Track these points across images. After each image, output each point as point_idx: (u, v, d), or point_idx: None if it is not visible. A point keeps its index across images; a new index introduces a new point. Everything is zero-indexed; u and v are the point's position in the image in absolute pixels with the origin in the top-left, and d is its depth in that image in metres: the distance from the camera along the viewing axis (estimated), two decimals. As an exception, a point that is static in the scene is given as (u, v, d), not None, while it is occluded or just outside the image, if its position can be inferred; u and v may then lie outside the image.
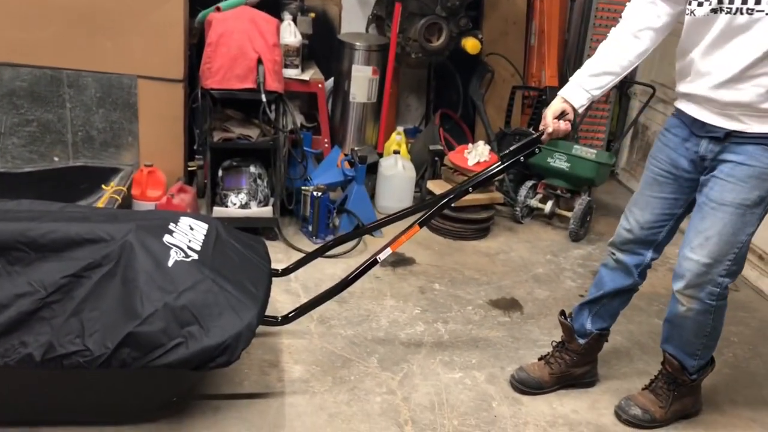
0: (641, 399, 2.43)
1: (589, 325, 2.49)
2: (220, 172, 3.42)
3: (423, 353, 2.70)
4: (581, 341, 2.51)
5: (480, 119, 4.45)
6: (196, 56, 3.52)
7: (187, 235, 2.23)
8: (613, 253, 2.41)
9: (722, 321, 2.29)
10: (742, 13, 1.94)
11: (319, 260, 2.78)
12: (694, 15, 2.04)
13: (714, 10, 1.99)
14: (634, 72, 4.14)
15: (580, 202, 3.85)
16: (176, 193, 3.32)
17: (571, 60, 4.60)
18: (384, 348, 2.70)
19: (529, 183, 4.03)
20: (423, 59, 4.19)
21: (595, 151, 3.85)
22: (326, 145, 3.98)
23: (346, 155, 3.81)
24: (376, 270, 2.51)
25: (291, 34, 3.69)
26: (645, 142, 4.66)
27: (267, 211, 3.42)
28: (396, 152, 3.94)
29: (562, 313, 2.56)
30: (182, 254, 2.13)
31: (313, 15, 3.92)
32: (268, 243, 2.66)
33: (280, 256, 3.27)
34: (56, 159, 3.51)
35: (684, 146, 2.20)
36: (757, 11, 1.92)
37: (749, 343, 3.01)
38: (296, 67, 3.76)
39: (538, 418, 2.40)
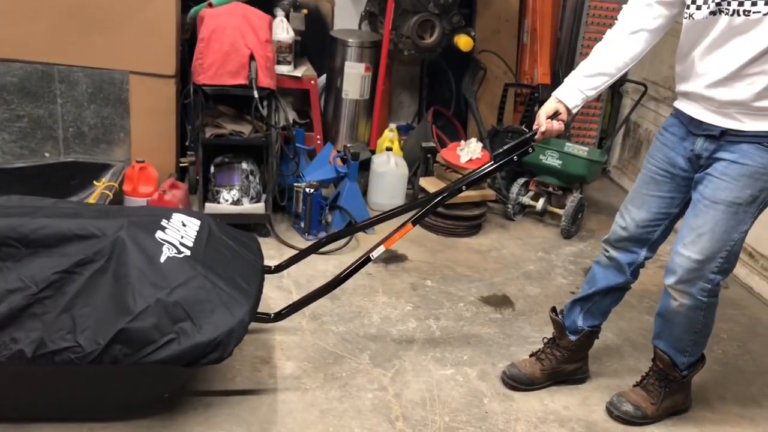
0: (633, 396, 2.44)
1: (580, 322, 2.50)
2: (212, 169, 3.41)
3: (414, 350, 2.71)
4: (572, 338, 2.52)
5: (472, 116, 4.46)
6: (188, 52, 3.50)
7: (180, 232, 2.23)
8: (607, 251, 2.42)
9: (713, 318, 2.31)
10: (739, 15, 1.96)
11: (312, 257, 2.78)
12: (693, 18, 2.06)
13: (713, 13, 2.01)
14: (627, 71, 4.16)
15: (572, 200, 3.87)
16: (168, 189, 3.32)
17: (563, 58, 4.61)
18: (376, 344, 2.71)
19: (521, 180, 4.04)
20: (416, 56, 4.19)
21: (586, 149, 3.86)
22: (319, 142, 3.98)
23: (338, 152, 3.81)
24: (368, 267, 2.51)
25: (283, 30, 3.69)
26: (636, 139, 4.68)
27: (259, 208, 3.42)
28: (388, 149, 3.94)
29: (554, 309, 2.58)
30: (174, 250, 2.13)
31: (305, 11, 3.91)
32: (260, 239, 2.66)
33: (272, 252, 3.26)
34: (47, 155, 3.49)
35: (682, 145, 2.21)
36: (754, 12, 1.94)
37: (738, 340, 3.03)
38: (289, 63, 3.75)
39: (529, 415, 2.41)
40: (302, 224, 3.50)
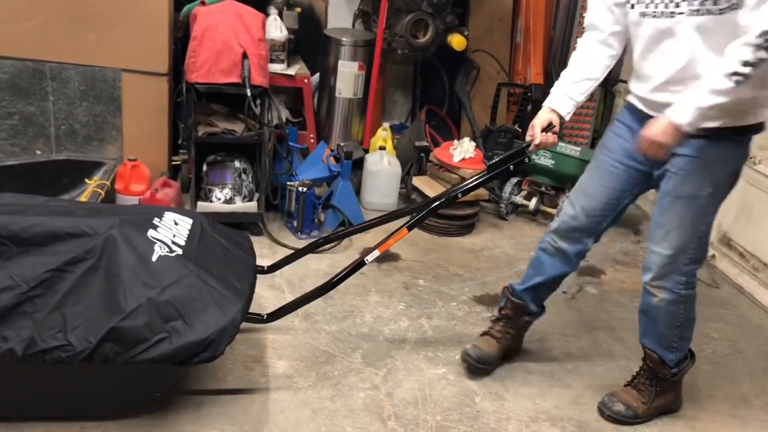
0: (624, 395, 2.45)
1: (532, 306, 2.57)
2: (204, 167, 3.40)
3: (407, 349, 2.71)
4: (527, 318, 2.60)
5: (465, 116, 4.46)
6: (181, 50, 3.49)
7: (172, 230, 2.22)
8: (555, 241, 2.45)
9: (694, 311, 2.33)
10: (665, 17, 2.02)
11: (304, 256, 2.78)
12: (629, 18, 2.13)
13: (642, 14, 2.08)
14: (618, 70, 4.17)
15: (564, 199, 3.87)
16: (160, 188, 3.31)
17: (556, 58, 4.62)
18: (368, 344, 2.71)
19: (514, 180, 4.05)
20: (409, 55, 4.19)
21: (579, 149, 3.87)
22: (312, 141, 3.97)
23: (331, 151, 3.81)
24: (360, 266, 2.52)
25: (277, 28, 3.68)
26: (629, 140, 4.69)
27: (252, 207, 3.41)
28: (382, 148, 3.94)
29: (508, 290, 2.59)
30: (166, 249, 2.12)
31: (299, 10, 3.91)
32: (252, 238, 2.65)
33: (264, 251, 3.26)
34: (39, 152, 3.48)
35: (636, 138, 2.24)
36: (678, 14, 1.99)
37: (729, 339, 3.04)
38: (282, 62, 3.74)
39: (520, 414, 2.41)
40: (295, 223, 3.50)
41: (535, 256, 2.53)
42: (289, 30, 3.76)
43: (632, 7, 2.10)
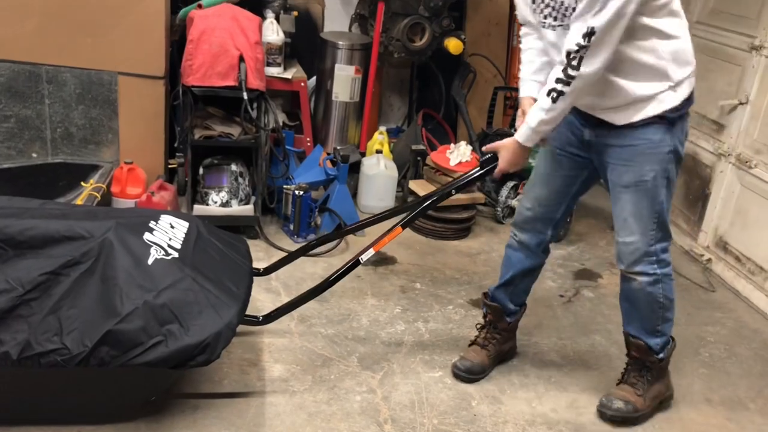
0: (620, 392, 2.46)
1: (510, 305, 2.60)
2: (201, 170, 3.40)
3: (403, 352, 2.71)
4: (509, 320, 2.62)
5: (462, 119, 4.47)
6: (178, 53, 3.49)
7: (168, 233, 2.22)
8: (516, 235, 2.53)
9: (672, 291, 2.37)
10: (554, 29, 2.11)
11: (300, 259, 2.78)
12: (543, 27, 2.19)
13: (541, 24, 2.16)
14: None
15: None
16: (156, 191, 3.30)
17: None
18: (364, 347, 2.71)
19: (511, 183, 4.05)
20: (406, 59, 4.20)
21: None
22: (308, 144, 3.97)
23: (328, 154, 3.81)
24: (357, 269, 2.51)
25: (273, 32, 3.68)
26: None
27: (248, 210, 3.41)
28: (378, 152, 3.94)
29: (486, 295, 2.63)
30: (162, 252, 2.12)
31: (295, 13, 3.91)
32: (249, 242, 2.65)
33: (261, 254, 3.26)
34: (35, 155, 3.47)
35: (576, 128, 2.32)
36: (564, 26, 2.06)
37: (725, 343, 3.05)
38: (279, 65, 3.75)
39: (517, 417, 2.41)
40: (291, 226, 3.50)
41: (504, 253, 2.59)
42: (285, 33, 3.77)
43: (544, 17, 2.15)
